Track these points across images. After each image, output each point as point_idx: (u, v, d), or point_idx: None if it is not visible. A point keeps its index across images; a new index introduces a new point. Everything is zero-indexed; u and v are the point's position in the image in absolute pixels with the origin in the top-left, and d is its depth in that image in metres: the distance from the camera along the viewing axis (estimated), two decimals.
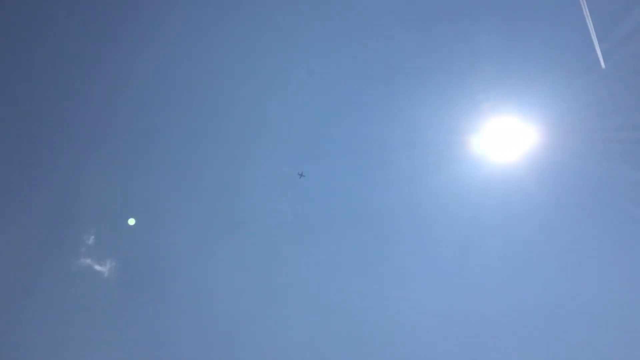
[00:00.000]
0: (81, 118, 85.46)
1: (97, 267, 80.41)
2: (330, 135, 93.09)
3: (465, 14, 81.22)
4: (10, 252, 78.22)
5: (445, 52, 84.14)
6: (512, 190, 79.58)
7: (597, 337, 70.52)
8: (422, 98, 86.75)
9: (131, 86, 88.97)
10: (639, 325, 69.01)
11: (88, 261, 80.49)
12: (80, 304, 78.33)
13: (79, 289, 79.22)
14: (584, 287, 74.40)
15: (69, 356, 74.11)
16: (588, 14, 52.87)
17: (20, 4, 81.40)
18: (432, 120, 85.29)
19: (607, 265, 74.03)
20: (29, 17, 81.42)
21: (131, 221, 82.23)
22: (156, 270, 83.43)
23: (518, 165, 79.85)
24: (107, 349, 75.77)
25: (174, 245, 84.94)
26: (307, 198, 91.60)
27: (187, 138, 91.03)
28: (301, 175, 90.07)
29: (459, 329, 76.40)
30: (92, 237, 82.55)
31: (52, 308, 76.81)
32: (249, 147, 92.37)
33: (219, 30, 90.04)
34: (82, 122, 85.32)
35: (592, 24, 53.99)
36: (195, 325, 79.51)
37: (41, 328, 75.10)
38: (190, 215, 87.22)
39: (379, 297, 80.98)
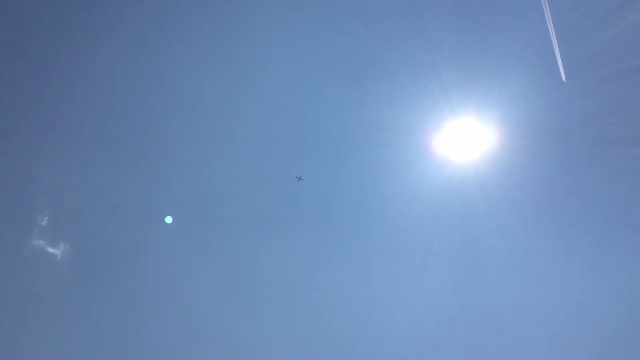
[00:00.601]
0: (38, 97, 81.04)
1: (50, 250, 77.43)
2: (289, 135, 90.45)
3: (427, 13, 79.50)
4: None
5: (406, 52, 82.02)
6: (471, 190, 79.30)
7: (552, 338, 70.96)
8: (381, 98, 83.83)
9: (119, 77, 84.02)
10: (589, 325, 70.01)
11: (41, 243, 77.52)
12: (31, 287, 75.64)
13: (30, 272, 76.34)
14: (544, 288, 73.40)
15: (19, 344, 71.36)
16: (550, 20, 55.64)
17: None
18: (391, 120, 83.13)
19: (562, 265, 73.54)
20: None
21: (168, 219, 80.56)
22: (112, 255, 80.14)
23: (477, 165, 79.71)
24: (58, 335, 73.29)
25: (134, 231, 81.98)
26: (260, 199, 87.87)
27: (154, 129, 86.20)
28: (299, 178, 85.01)
29: (422, 329, 75.43)
30: (46, 218, 78.70)
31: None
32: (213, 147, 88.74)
33: (191, 31, 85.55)
34: (38, 100, 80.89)
35: (553, 30, 56.38)
36: (152, 313, 77.02)
37: None
38: (152, 201, 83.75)
39: (337, 297, 79.42)
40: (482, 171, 79.33)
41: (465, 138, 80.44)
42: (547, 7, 56.12)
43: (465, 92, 78.30)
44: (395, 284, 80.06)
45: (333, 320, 78.26)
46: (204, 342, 76.66)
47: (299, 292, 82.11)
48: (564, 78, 55.51)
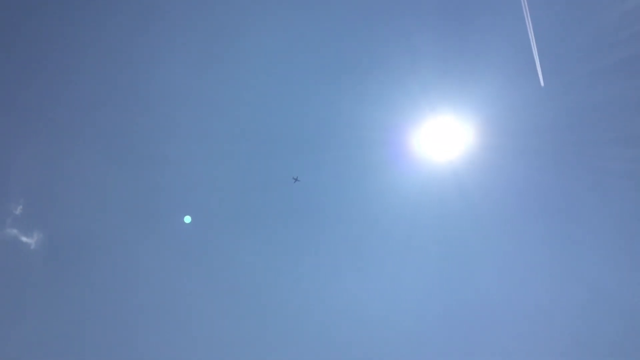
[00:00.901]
0: (15, 87, 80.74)
1: (24, 239, 77.14)
2: (271, 134, 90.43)
3: (407, 13, 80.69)
4: None
5: (384, 52, 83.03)
6: (448, 188, 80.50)
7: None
8: (362, 98, 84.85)
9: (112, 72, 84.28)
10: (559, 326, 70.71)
11: (14, 232, 77.29)
12: (3, 276, 75.40)
13: (3, 261, 76.11)
14: (519, 287, 74.98)
15: None
16: (529, 20, 56.23)
17: None
18: (368, 119, 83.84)
19: (541, 262, 74.77)
20: None
21: (187, 219, 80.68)
22: (87, 245, 79.87)
23: (456, 164, 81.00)
24: (29, 324, 73.05)
25: (110, 222, 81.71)
26: (242, 197, 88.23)
27: (138, 122, 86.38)
28: (296, 179, 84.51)
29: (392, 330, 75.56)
30: (20, 206, 78.06)
31: None
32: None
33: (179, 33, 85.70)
34: (14, 90, 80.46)
35: (532, 31, 56.94)
36: (127, 302, 77.03)
37: None
38: (131, 192, 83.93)
39: (313, 294, 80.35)
40: (461, 170, 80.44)
41: (445, 137, 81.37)
42: (527, 7, 56.91)
43: (445, 92, 79.33)
44: (376, 281, 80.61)
45: (316, 317, 78.75)
46: (181, 332, 76.52)
47: (278, 290, 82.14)
48: (542, 82, 56.08)
